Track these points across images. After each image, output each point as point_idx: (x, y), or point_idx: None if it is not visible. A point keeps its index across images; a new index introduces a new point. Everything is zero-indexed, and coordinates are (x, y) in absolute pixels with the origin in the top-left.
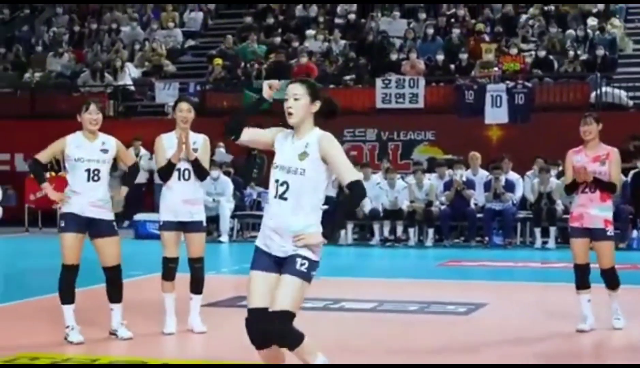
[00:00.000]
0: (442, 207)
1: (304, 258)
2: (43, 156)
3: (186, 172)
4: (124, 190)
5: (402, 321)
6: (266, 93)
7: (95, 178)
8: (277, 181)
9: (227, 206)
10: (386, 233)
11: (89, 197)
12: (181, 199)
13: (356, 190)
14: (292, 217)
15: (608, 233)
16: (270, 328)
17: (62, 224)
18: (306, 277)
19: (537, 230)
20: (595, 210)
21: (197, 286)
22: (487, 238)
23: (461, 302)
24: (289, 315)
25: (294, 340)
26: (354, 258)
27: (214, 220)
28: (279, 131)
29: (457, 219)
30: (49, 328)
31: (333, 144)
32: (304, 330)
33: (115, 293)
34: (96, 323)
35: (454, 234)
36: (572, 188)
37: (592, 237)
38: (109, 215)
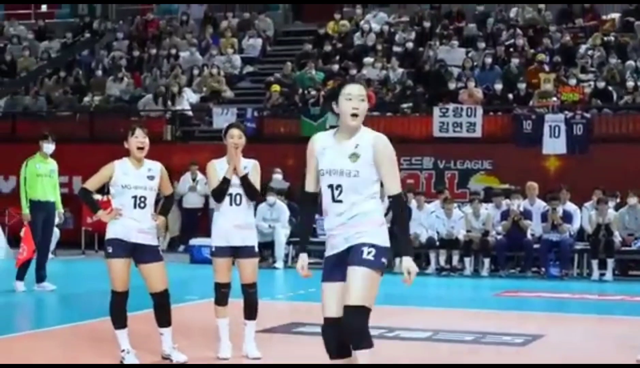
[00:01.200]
0: (499, 237)
1: (370, 245)
2: (92, 184)
3: (237, 197)
4: (161, 219)
5: (457, 351)
6: None
7: (142, 205)
8: (330, 186)
9: (282, 232)
10: (442, 262)
11: (136, 224)
12: (233, 224)
13: (400, 203)
14: (357, 207)
15: None
16: (346, 321)
17: (110, 250)
18: (375, 265)
19: (595, 262)
20: None
21: (250, 312)
22: (543, 269)
23: (518, 333)
24: (363, 310)
25: (364, 340)
26: (409, 287)
27: (269, 246)
28: (313, 142)
29: (514, 249)
30: (106, 351)
31: (387, 151)
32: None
33: (164, 318)
34: (147, 348)
35: (510, 264)
36: None
37: None
38: (154, 241)
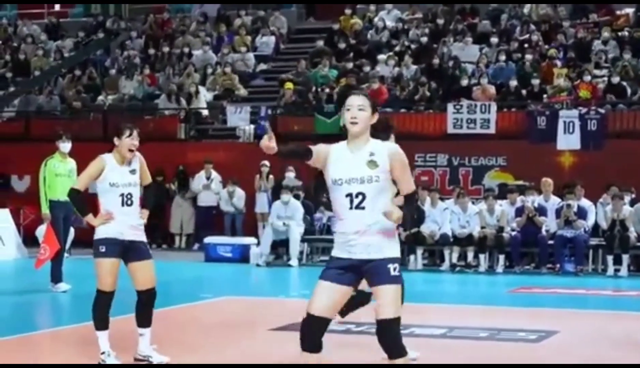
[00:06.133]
0: (513, 233)
1: (394, 261)
2: (83, 184)
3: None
4: (145, 213)
5: (472, 347)
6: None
7: (129, 202)
8: (349, 195)
9: (297, 230)
10: (455, 259)
11: (126, 221)
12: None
13: (414, 199)
14: (374, 216)
15: None
16: (385, 336)
17: (103, 249)
18: (399, 280)
19: (610, 258)
20: None
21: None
22: (558, 265)
23: (532, 329)
24: (398, 321)
25: (400, 349)
26: (423, 284)
27: (283, 243)
28: (333, 148)
29: (528, 246)
30: (121, 347)
31: (401, 154)
32: (375, 355)
33: (146, 318)
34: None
35: (524, 261)
36: None
37: None
38: (144, 237)
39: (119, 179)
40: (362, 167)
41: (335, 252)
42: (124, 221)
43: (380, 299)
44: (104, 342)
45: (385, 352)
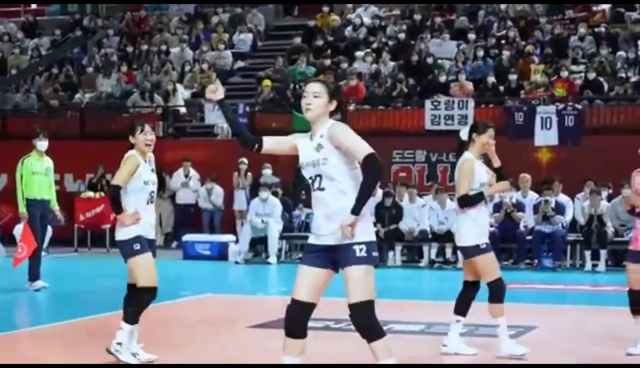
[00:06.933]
0: (491, 229)
1: (361, 243)
2: (122, 180)
3: None
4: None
5: None
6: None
7: (152, 200)
8: (310, 178)
9: (275, 227)
10: (433, 255)
11: (149, 220)
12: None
13: (372, 162)
14: (336, 200)
15: None
16: (355, 320)
17: (137, 247)
18: (369, 261)
19: (587, 253)
20: None
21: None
22: (536, 261)
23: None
24: (368, 305)
25: (374, 332)
26: (402, 280)
27: (262, 241)
28: (298, 136)
29: (506, 241)
30: (101, 348)
31: (339, 130)
32: (353, 351)
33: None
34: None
35: (503, 256)
36: (632, 211)
37: None
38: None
39: (149, 176)
40: (313, 151)
41: (310, 239)
42: (147, 220)
43: (347, 283)
44: (126, 335)
45: (361, 336)
